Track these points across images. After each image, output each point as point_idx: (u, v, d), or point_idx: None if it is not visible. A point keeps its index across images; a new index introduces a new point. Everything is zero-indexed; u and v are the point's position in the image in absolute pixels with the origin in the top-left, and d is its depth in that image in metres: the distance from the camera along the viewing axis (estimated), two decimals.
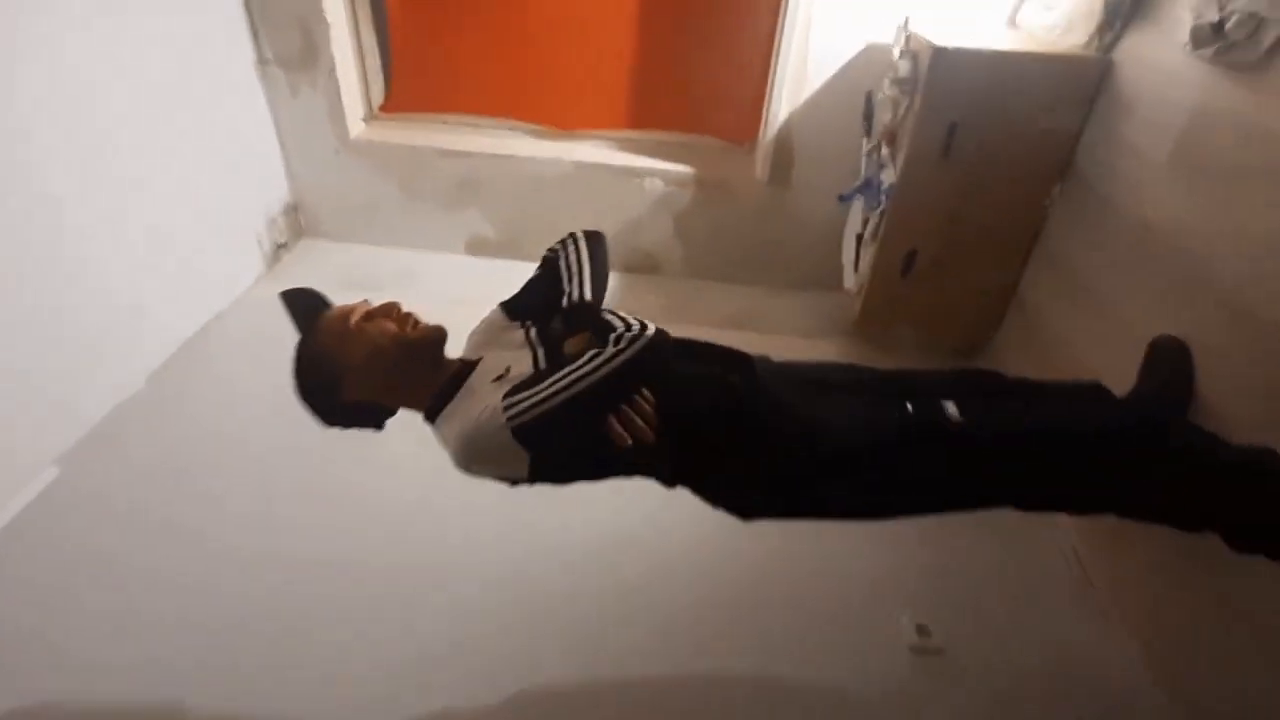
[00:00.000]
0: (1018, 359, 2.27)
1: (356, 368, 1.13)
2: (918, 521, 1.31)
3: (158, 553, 1.72)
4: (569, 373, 0.99)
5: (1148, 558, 1.65)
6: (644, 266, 2.90)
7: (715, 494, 1.20)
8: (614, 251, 2.99)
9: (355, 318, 1.15)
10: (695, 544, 1.82)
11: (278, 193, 2.84)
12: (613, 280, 2.86)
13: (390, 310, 1.18)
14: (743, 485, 1.18)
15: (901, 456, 1.16)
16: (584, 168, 2.72)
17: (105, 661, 1.49)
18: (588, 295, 1.18)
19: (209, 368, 2.32)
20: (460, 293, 2.77)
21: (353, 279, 2.78)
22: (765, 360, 1.29)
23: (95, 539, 1.74)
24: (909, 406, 1.19)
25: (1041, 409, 1.29)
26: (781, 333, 2.65)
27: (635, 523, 1.84)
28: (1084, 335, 1.96)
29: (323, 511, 1.86)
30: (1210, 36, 1.57)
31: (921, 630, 1.67)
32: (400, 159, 2.79)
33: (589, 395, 0.98)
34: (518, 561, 1.77)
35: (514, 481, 1.09)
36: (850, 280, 2.49)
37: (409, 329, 1.17)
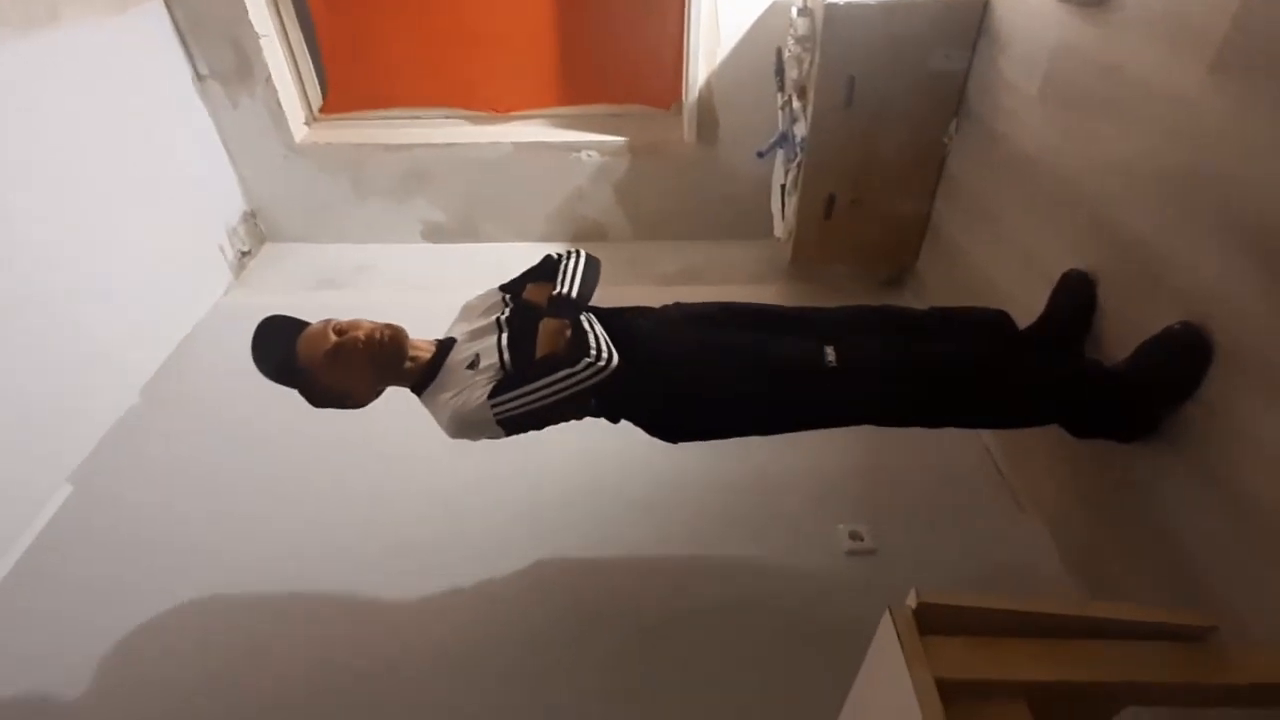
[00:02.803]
0: (938, 282, 2.48)
1: (349, 381, 1.38)
2: (845, 435, 1.55)
3: (180, 538, 1.94)
4: (546, 384, 1.26)
5: (1051, 453, 1.83)
6: (592, 234, 3.06)
7: (644, 425, 1.48)
8: (560, 222, 3.16)
9: (331, 341, 1.34)
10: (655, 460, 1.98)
11: (234, 203, 2.95)
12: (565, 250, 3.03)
13: (356, 324, 1.38)
14: (654, 418, 1.46)
15: (785, 388, 1.40)
16: (523, 147, 2.85)
17: (149, 636, 1.71)
18: (573, 294, 1.42)
19: (194, 376, 2.48)
20: (420, 279, 2.93)
21: (320, 277, 2.92)
22: (675, 307, 1.53)
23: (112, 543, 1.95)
24: (797, 350, 1.41)
25: (908, 352, 1.48)
26: (725, 282, 2.83)
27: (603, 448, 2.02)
28: (987, 256, 2.16)
29: (319, 478, 2.09)
30: None
31: (854, 536, 1.90)
32: (346, 157, 2.91)
33: (554, 405, 1.29)
34: (509, 478, 2.02)
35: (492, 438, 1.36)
36: (779, 228, 2.66)
37: (376, 337, 1.37)
